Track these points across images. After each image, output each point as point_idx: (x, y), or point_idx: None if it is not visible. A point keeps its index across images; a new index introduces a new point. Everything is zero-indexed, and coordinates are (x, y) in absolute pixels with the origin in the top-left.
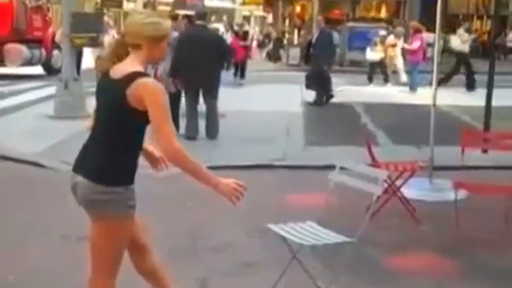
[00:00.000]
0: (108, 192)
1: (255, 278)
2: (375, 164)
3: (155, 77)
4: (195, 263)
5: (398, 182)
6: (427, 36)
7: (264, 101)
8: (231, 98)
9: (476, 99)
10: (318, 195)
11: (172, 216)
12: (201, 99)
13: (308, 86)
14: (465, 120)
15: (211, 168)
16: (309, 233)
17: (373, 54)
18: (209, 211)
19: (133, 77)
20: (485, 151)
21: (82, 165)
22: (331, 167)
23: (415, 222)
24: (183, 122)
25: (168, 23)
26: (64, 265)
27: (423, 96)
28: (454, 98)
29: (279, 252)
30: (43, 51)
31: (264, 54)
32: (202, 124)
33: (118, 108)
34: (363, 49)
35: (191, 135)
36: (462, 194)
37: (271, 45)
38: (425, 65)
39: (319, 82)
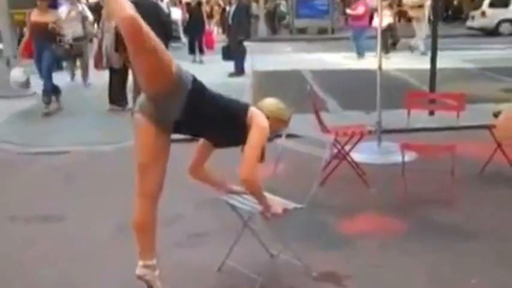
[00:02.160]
0: None
1: (208, 248)
2: (324, 129)
3: (99, 51)
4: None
5: (347, 147)
6: (371, 1)
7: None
8: None
9: (424, 63)
10: (266, 163)
11: (121, 191)
12: None
13: (225, 57)
14: (413, 84)
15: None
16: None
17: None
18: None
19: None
20: (431, 113)
21: None
22: (279, 134)
23: (365, 186)
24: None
25: None
26: (13, 247)
27: (371, 62)
28: (402, 62)
29: (230, 221)
30: None
31: None
32: None
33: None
34: (311, 17)
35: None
36: (409, 156)
37: None
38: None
39: (236, 53)
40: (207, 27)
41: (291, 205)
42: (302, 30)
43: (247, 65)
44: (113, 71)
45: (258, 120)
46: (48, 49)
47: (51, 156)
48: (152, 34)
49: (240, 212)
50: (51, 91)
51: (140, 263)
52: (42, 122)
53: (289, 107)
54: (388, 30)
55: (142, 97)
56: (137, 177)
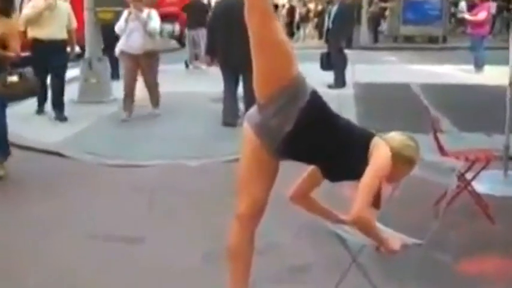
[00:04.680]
0: None
1: (309, 285)
2: (442, 153)
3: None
4: None
5: (468, 175)
6: (492, 6)
7: None
8: None
9: None
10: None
11: (209, 213)
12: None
13: (324, 67)
14: None
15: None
16: None
17: None
18: None
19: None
20: None
21: None
22: None
23: (489, 221)
24: None
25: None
26: (90, 268)
27: (491, 75)
28: None
29: (334, 254)
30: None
31: None
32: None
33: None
34: (420, 23)
35: (229, 121)
36: None
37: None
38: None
39: (336, 62)
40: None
41: (409, 240)
42: (408, 38)
43: (348, 76)
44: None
45: (381, 152)
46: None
47: (134, 169)
48: (280, 26)
49: (349, 244)
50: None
51: None
52: (126, 130)
53: (418, 147)
54: None
55: (253, 107)
56: (238, 196)
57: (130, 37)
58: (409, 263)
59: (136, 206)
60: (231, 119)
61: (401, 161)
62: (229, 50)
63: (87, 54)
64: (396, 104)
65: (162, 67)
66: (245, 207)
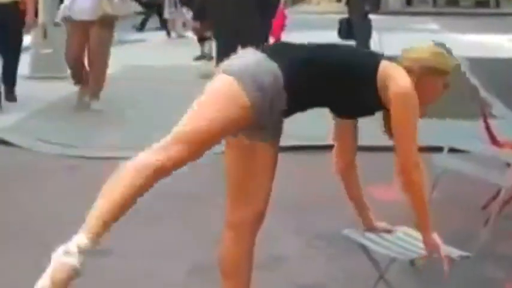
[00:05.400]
0: None
1: None
2: (495, 143)
3: None
4: None
5: None
6: None
7: None
8: None
9: None
10: None
11: (197, 218)
12: None
13: (343, 35)
14: None
15: None
16: (402, 242)
17: None
18: None
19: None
20: None
21: None
22: (434, 149)
23: None
24: None
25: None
26: None
27: None
28: None
29: (355, 270)
30: None
31: None
32: None
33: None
34: None
35: None
36: None
37: None
38: None
39: (359, 30)
40: None
41: (454, 252)
42: (452, 1)
43: (374, 48)
44: None
45: (399, 85)
46: None
47: (102, 162)
48: None
49: (375, 256)
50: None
51: None
52: (92, 113)
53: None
54: None
55: None
56: (227, 201)
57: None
58: (453, 280)
59: None
60: None
61: (435, 76)
62: (226, 12)
63: (40, 19)
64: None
65: (139, 35)
66: (240, 212)
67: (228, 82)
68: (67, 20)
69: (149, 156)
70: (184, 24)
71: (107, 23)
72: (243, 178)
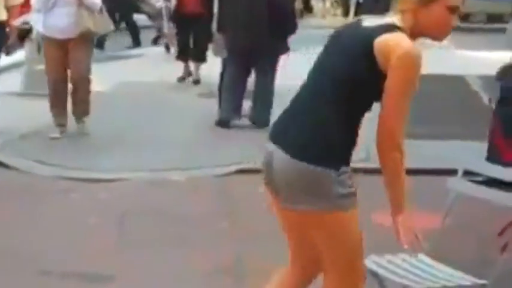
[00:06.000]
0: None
1: None
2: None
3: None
4: None
5: None
6: None
7: None
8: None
9: None
10: (427, 213)
11: (198, 245)
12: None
13: None
14: None
15: (242, 171)
16: (416, 269)
17: None
18: (257, 234)
19: (389, 28)
20: None
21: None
22: (448, 171)
23: None
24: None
25: None
26: None
27: None
28: None
29: None
30: None
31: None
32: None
33: (359, 66)
34: None
35: (225, 118)
36: None
37: None
38: None
39: None
40: None
41: (469, 279)
42: (464, 16)
43: None
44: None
45: (396, 46)
46: None
47: (99, 185)
48: None
49: (387, 284)
50: None
51: None
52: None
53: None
54: None
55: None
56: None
57: (53, 14)
58: None
59: (102, 235)
60: (227, 115)
61: (432, 2)
62: (241, 24)
63: (34, 34)
64: (449, 103)
65: (136, 51)
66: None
67: None
68: (42, 37)
69: None
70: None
71: (88, 38)
72: None
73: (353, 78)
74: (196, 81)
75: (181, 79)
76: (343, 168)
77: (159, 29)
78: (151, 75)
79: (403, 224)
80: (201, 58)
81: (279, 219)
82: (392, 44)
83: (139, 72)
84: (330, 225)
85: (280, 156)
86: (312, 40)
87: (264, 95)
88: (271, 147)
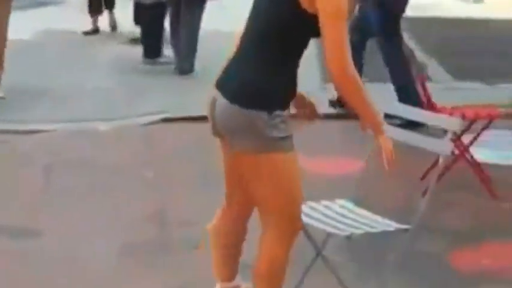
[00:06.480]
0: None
1: None
2: (432, 109)
3: None
4: (168, 263)
5: (466, 137)
6: None
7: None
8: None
9: None
10: (349, 158)
11: (125, 195)
12: None
13: None
14: None
15: (167, 120)
16: (340, 216)
17: None
18: (182, 183)
19: None
20: None
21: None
22: None
23: (492, 198)
24: None
25: None
26: None
27: (494, 6)
28: None
29: (295, 245)
30: None
31: None
32: None
33: (282, 8)
34: None
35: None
36: None
37: None
38: None
39: None
40: None
41: (391, 225)
42: None
43: None
44: (146, 8)
45: None
46: None
47: (22, 136)
48: None
49: (312, 232)
50: None
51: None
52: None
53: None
54: None
55: None
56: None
57: None
58: (390, 254)
59: (26, 187)
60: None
61: None
62: None
63: None
64: (370, 46)
65: None
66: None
67: None
68: None
69: None
70: None
71: None
72: None
73: (279, 21)
74: (114, 27)
75: (94, 31)
76: (277, 112)
77: None
78: (72, 23)
79: (384, 145)
80: (112, 4)
81: (223, 163)
82: None
83: (60, 20)
84: (265, 165)
85: (220, 102)
86: None
87: (189, 40)
88: (214, 92)
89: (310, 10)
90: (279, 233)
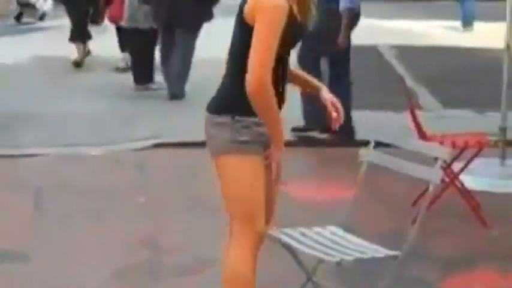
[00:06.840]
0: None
1: None
2: (422, 137)
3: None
4: None
5: (456, 165)
6: None
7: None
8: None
9: None
10: (340, 184)
11: (117, 220)
12: None
13: None
14: None
15: (159, 145)
16: (330, 242)
17: None
18: (174, 208)
19: None
20: None
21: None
22: (359, 143)
23: (481, 225)
24: None
25: None
26: None
27: (482, 34)
28: None
29: (285, 271)
30: None
31: None
32: None
33: (238, 26)
34: None
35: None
36: None
37: None
38: None
39: None
40: None
41: (381, 251)
42: None
43: None
44: (137, 34)
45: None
46: None
47: (13, 160)
48: None
49: (302, 257)
50: None
51: None
52: None
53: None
54: None
55: None
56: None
57: None
58: (380, 281)
59: (17, 211)
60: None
61: None
62: None
63: None
64: (361, 74)
65: (50, 22)
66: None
67: None
68: None
69: None
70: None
71: None
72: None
73: (238, 38)
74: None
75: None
76: (239, 118)
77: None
78: (63, 49)
79: (274, 155)
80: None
81: None
82: (256, 1)
83: (52, 46)
84: (225, 167)
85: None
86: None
87: (181, 65)
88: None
89: (252, 24)
90: (241, 239)
